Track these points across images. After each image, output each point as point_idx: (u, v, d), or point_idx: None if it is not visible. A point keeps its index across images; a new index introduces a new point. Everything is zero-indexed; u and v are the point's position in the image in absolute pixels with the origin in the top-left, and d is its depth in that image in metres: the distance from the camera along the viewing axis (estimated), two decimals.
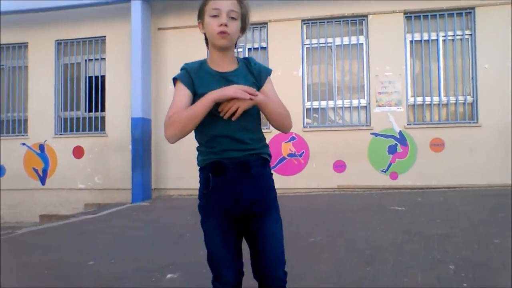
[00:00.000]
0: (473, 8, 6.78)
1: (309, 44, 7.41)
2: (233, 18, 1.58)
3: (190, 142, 6.74)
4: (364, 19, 7.18)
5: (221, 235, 1.60)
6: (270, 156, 1.68)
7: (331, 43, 7.33)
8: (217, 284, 1.61)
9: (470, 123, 6.81)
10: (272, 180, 1.68)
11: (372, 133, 7.03)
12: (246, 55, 7.59)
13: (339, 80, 7.34)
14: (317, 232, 4.03)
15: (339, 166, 7.12)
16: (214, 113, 1.55)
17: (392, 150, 6.96)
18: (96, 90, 8.04)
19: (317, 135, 7.22)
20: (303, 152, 7.25)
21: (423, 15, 6.99)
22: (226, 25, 1.55)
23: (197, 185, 5.82)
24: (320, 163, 7.13)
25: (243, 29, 1.65)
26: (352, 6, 7.09)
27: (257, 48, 7.60)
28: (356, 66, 7.28)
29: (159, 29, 7.76)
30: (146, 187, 7.22)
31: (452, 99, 6.92)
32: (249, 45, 7.61)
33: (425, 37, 7.02)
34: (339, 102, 7.30)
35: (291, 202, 6.08)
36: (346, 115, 7.32)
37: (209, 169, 1.60)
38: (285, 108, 1.64)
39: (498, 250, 3.25)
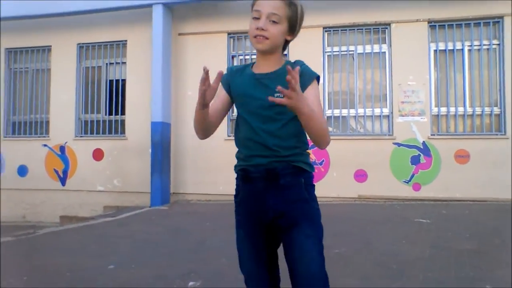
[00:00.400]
0: (501, 17, 6.60)
1: (330, 51, 7.33)
2: (274, 22, 1.46)
3: (208, 148, 6.71)
4: (387, 28, 7.07)
5: (249, 247, 1.55)
6: (308, 165, 1.54)
7: (353, 51, 7.23)
8: None
9: (497, 135, 6.62)
10: (308, 191, 1.52)
11: (394, 143, 6.89)
12: None
13: (361, 88, 7.23)
14: (340, 244, 3.91)
15: (360, 176, 6.99)
16: (243, 115, 1.53)
17: (415, 160, 6.81)
18: (116, 93, 8.09)
19: (338, 143, 7.08)
20: (323, 161, 7.14)
21: (448, 24, 6.84)
22: (263, 29, 1.45)
23: (215, 191, 5.81)
24: (340, 172, 7.01)
25: (292, 32, 1.53)
26: (375, 14, 6.99)
27: None
28: (379, 74, 7.16)
29: (179, 34, 7.79)
30: (165, 191, 7.20)
31: (478, 110, 6.74)
32: None
33: (450, 46, 6.86)
34: (360, 111, 7.18)
35: None
36: (368, 124, 7.20)
37: (239, 177, 1.57)
38: (325, 122, 1.50)
39: None
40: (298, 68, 1.29)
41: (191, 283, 2.93)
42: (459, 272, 3.03)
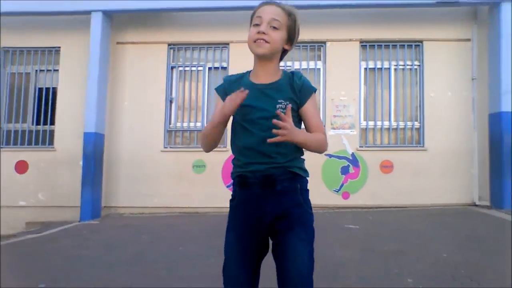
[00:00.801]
0: (421, 41, 7.31)
1: None
2: (274, 28, 1.54)
3: (143, 159, 6.55)
4: (322, 45, 7.49)
5: (238, 250, 1.55)
6: (303, 170, 1.61)
7: (290, 66, 7.56)
8: None
9: (416, 147, 7.25)
10: (303, 196, 1.58)
11: (326, 154, 7.24)
12: (206, 75, 7.64)
13: None
14: None
15: None
16: (243, 124, 1.55)
17: (344, 171, 7.22)
18: (46, 102, 7.67)
19: None
20: None
21: (377, 45, 7.43)
22: (264, 33, 1.52)
23: (149, 203, 5.74)
24: None
25: (290, 42, 1.61)
26: (312, 32, 7.33)
27: (218, 68, 7.65)
28: None
29: (118, 43, 7.62)
30: (96, 204, 6.90)
31: (401, 124, 7.35)
32: (209, 64, 7.65)
33: (378, 65, 7.44)
34: None
35: None
36: None
37: (235, 183, 1.59)
38: (323, 130, 1.61)
39: (446, 263, 3.47)
40: (290, 107, 1.46)
41: None
42: (386, 270, 3.30)
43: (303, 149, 1.60)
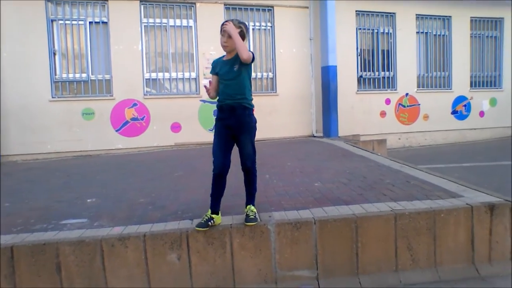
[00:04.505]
0: (272, 6, 9.14)
1: (146, 22, 8.54)
2: (229, 36, 2.90)
3: (32, 109, 7.45)
4: (193, 5, 8.73)
5: (217, 140, 3.05)
6: (250, 104, 3.07)
7: (166, 23, 8.63)
8: (213, 170, 3.03)
9: (271, 92, 9.29)
10: (248, 117, 3.05)
11: (201, 100, 8.78)
12: (88, 29, 8.22)
13: (174, 55, 8.76)
14: (179, 169, 5.56)
15: (176, 127, 8.67)
16: (221, 81, 3.04)
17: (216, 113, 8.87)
18: None
19: (156, 101, 8.55)
20: (144, 116, 8.50)
21: (238, 8, 9.00)
22: (226, 41, 2.93)
23: (43, 150, 7.03)
24: (159, 125, 8.53)
25: (243, 37, 2.95)
26: None
27: (98, 23, 8.28)
28: (187, 44, 8.82)
29: None
30: None
31: (259, 74, 9.25)
32: (90, 19, 8.23)
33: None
34: (173, 74, 8.76)
35: (137, 158, 7.39)
36: (179, 85, 8.85)
37: (218, 108, 3.10)
38: (245, 57, 2.80)
39: (290, 168, 5.45)
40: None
41: (89, 200, 4.08)
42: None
43: (250, 94, 3.12)
